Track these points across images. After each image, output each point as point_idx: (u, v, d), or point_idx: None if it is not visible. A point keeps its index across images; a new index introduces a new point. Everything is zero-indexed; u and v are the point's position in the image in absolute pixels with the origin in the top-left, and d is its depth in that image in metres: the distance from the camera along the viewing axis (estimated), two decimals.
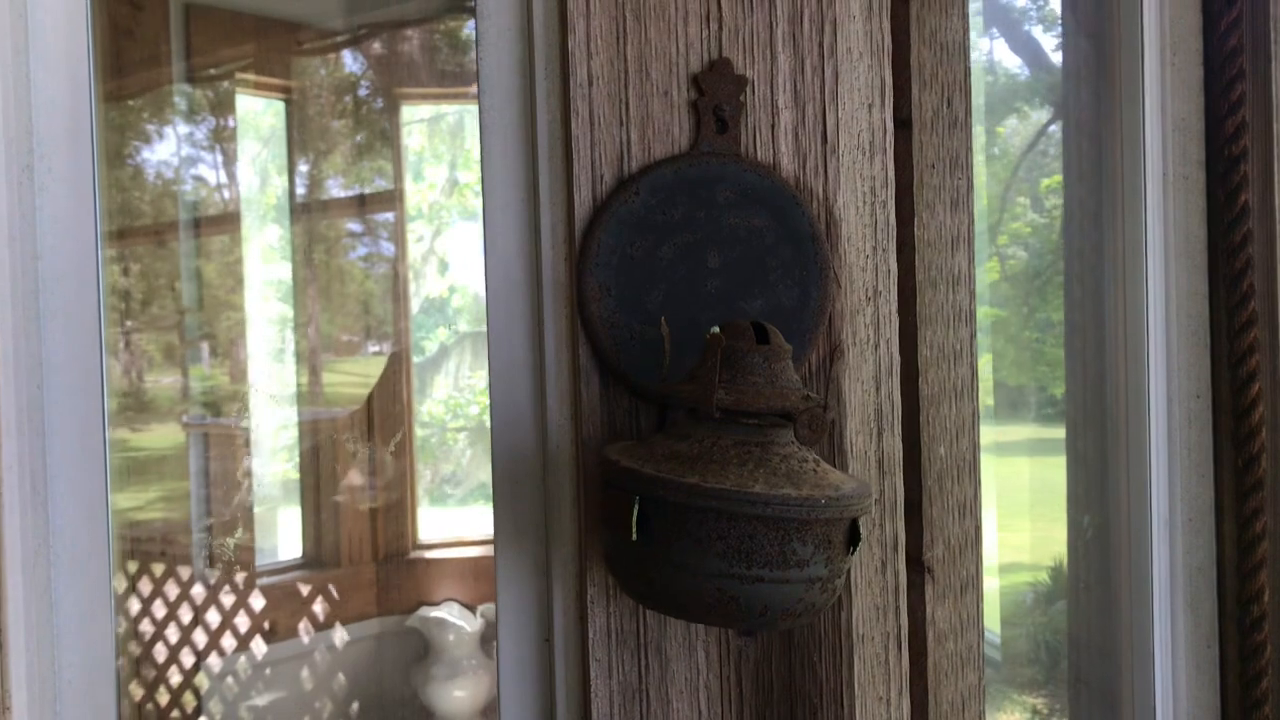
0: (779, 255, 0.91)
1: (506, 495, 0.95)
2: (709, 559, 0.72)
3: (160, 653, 3.73)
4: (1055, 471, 2.05)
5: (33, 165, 0.86)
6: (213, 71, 3.95)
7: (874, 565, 0.96)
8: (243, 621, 3.78)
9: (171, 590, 3.71)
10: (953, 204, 1.07)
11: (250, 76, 4.01)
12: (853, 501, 0.74)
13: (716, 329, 0.74)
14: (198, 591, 3.73)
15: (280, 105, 4.25)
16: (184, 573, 3.80)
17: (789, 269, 0.91)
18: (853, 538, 0.77)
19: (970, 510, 1.09)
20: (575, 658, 0.94)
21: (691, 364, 0.80)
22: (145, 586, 3.67)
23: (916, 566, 1.04)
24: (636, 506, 0.74)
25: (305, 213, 4.23)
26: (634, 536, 0.74)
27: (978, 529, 1.10)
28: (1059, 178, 2.16)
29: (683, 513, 0.72)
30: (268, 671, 3.99)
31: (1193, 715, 1.71)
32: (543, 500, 0.95)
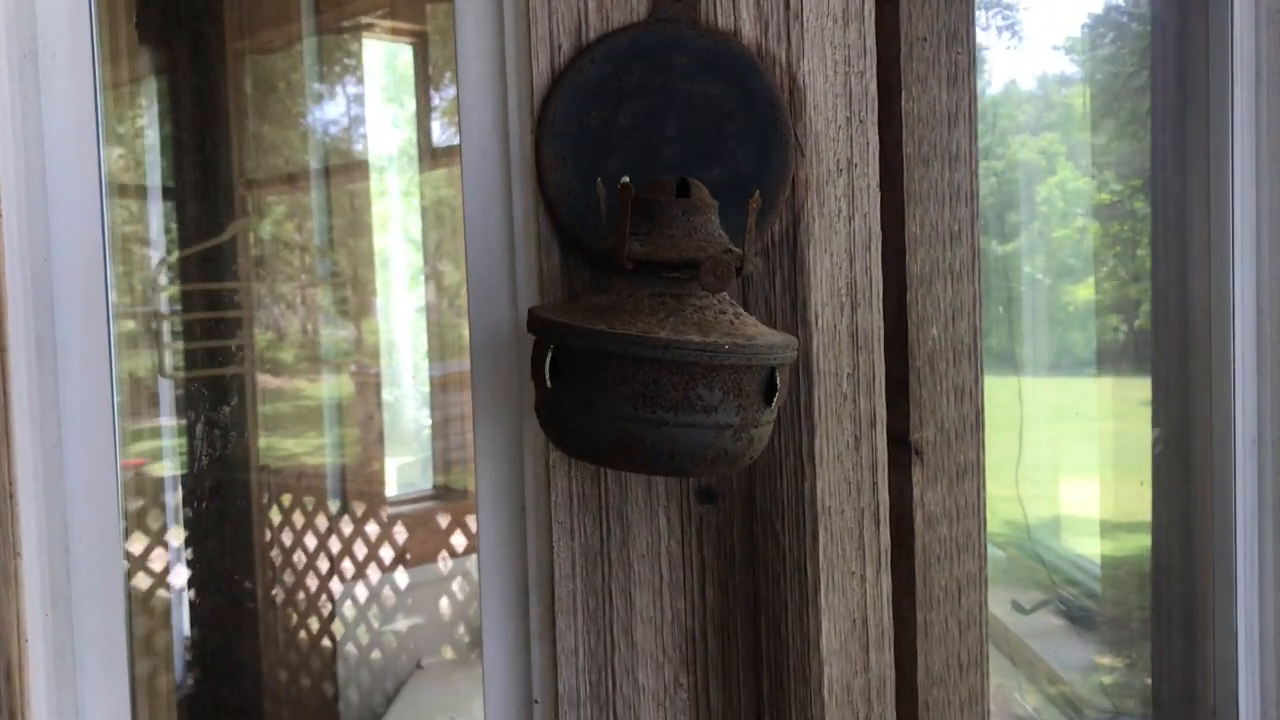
0: (737, 122, 0.90)
1: (484, 371, 0.98)
2: (616, 403, 0.73)
3: (312, 582, 3.94)
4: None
5: (36, 51, 0.93)
6: (344, 24, 4.08)
7: (844, 440, 0.96)
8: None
9: (321, 523, 3.90)
10: (950, 79, 1.04)
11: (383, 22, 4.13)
12: (762, 351, 0.74)
13: (627, 179, 0.75)
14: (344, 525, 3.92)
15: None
16: (334, 507, 3.99)
17: (748, 136, 0.90)
18: (769, 390, 0.77)
19: (970, 395, 1.06)
20: (543, 523, 0.97)
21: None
22: (299, 520, 3.88)
23: (903, 446, 1.02)
24: (550, 354, 0.76)
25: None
26: (548, 384, 0.76)
27: (978, 414, 1.07)
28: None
29: (591, 359, 0.74)
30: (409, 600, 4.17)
31: (1278, 643, 1.63)
32: (517, 374, 0.98)
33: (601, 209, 0.84)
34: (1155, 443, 1.80)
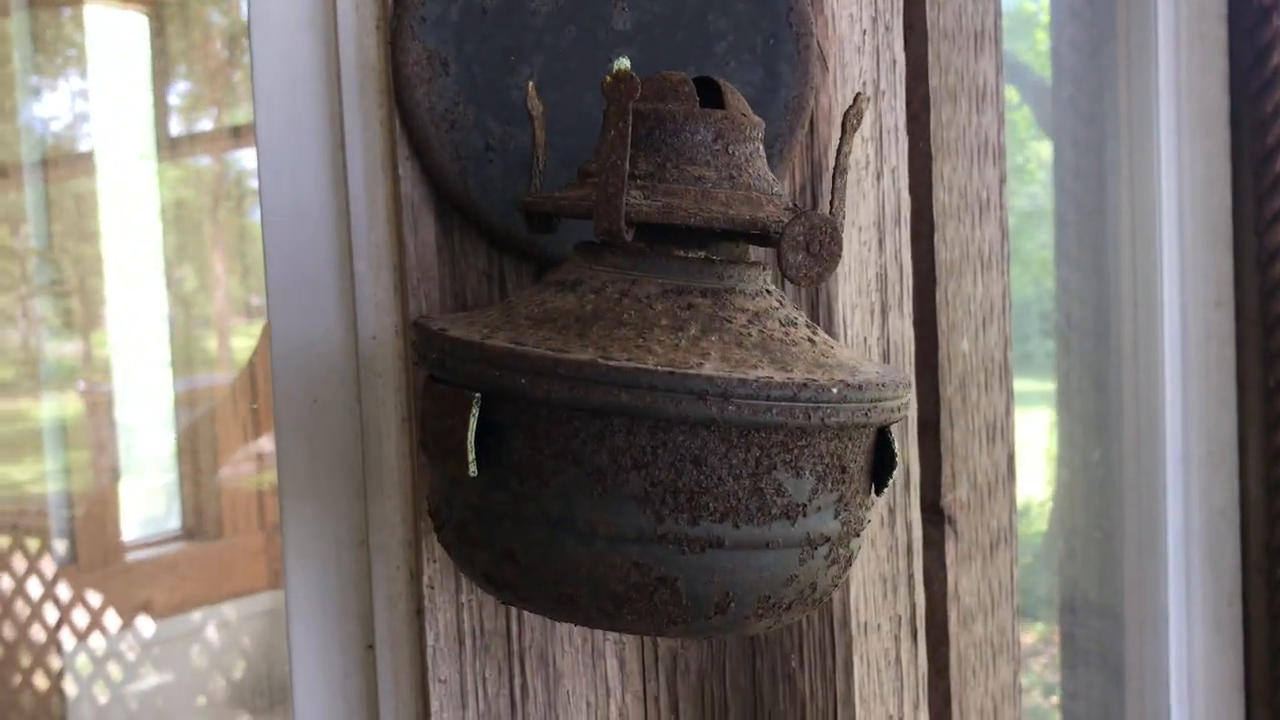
0: (728, 11, 0.55)
1: (296, 424, 0.59)
2: (618, 507, 0.37)
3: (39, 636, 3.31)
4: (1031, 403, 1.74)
5: None
6: None
7: (879, 514, 0.62)
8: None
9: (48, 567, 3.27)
10: None
11: None
12: (885, 394, 0.39)
13: (624, 63, 0.38)
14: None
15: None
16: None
17: (745, 35, 0.55)
18: (881, 463, 0.42)
19: (1002, 433, 0.75)
20: (411, 675, 0.58)
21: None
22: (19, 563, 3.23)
23: (934, 515, 0.70)
24: (475, 412, 0.38)
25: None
26: (471, 471, 0.38)
27: (1010, 459, 0.76)
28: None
29: (565, 420, 0.37)
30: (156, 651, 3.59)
31: (1211, 687, 1.41)
32: (356, 427, 0.59)
33: (536, 136, 0.46)
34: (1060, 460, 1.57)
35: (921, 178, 0.68)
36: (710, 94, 0.43)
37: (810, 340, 0.41)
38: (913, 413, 0.65)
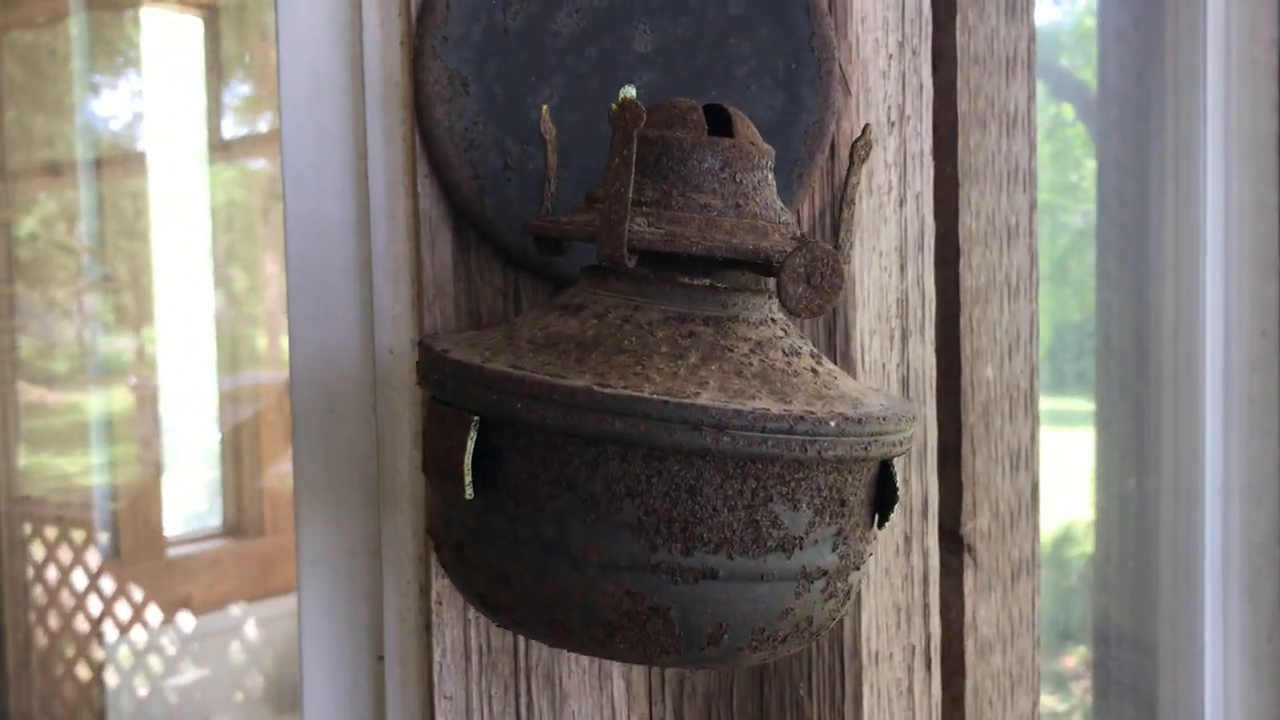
0: (751, 35, 0.55)
1: (313, 433, 0.59)
2: (612, 535, 0.37)
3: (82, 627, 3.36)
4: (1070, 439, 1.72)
5: None
6: None
7: (893, 543, 0.61)
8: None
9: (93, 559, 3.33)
10: (1009, 6, 0.71)
11: None
12: (887, 427, 0.39)
13: (630, 91, 0.38)
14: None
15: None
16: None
17: (767, 59, 0.55)
18: (882, 496, 0.41)
19: (1026, 462, 0.74)
20: (417, 692, 0.58)
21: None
22: (66, 555, 3.28)
23: (953, 544, 0.69)
24: (473, 435, 0.38)
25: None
26: (468, 493, 0.38)
27: (1034, 488, 0.75)
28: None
29: (561, 446, 0.37)
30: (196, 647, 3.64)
31: None
32: (372, 439, 0.59)
33: (549, 159, 0.46)
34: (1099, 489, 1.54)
35: (948, 203, 0.67)
36: (720, 121, 0.42)
37: (813, 370, 0.40)
38: (933, 440, 0.65)
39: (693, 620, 0.37)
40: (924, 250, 0.63)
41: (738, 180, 0.41)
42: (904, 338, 0.62)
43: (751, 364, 0.39)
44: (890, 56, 0.61)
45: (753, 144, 0.42)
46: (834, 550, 0.39)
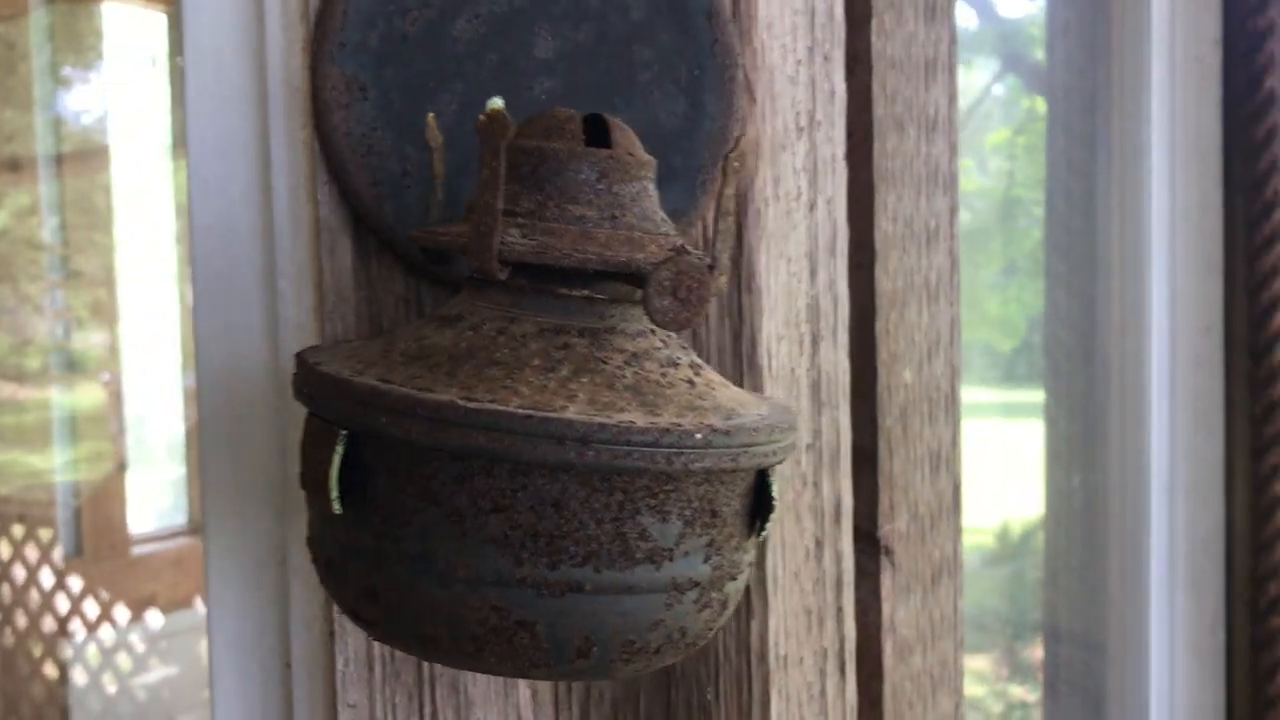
0: (653, 42, 0.55)
1: (220, 442, 0.59)
2: (477, 550, 0.37)
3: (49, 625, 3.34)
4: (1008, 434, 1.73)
5: None
6: None
7: (803, 547, 0.62)
8: None
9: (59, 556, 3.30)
10: (928, 9, 0.72)
11: None
12: (759, 438, 0.39)
13: (497, 103, 0.38)
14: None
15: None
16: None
17: (669, 65, 0.55)
18: (759, 507, 0.42)
19: (947, 464, 0.75)
20: (325, 697, 0.58)
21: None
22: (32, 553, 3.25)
23: (869, 546, 0.69)
24: (340, 449, 0.38)
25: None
26: (335, 508, 0.38)
27: (956, 489, 0.76)
28: (1006, 133, 1.83)
29: (426, 461, 0.37)
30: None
31: (1192, 716, 1.40)
32: (279, 447, 0.59)
33: (435, 168, 0.46)
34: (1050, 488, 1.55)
35: (863, 207, 0.67)
36: (600, 132, 0.42)
37: (690, 382, 0.40)
38: (847, 443, 0.65)
39: (560, 634, 0.37)
40: (836, 255, 0.63)
41: (614, 191, 0.41)
42: (815, 342, 0.62)
43: (625, 376, 0.39)
44: (799, 62, 0.61)
45: (631, 155, 0.42)
46: (706, 561, 0.39)
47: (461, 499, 0.36)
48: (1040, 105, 1.75)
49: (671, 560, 0.38)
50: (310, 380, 0.39)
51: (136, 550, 3.56)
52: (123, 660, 3.43)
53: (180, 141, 3.74)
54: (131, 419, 3.67)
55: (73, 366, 3.57)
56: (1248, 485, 1.36)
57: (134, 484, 3.64)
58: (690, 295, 0.37)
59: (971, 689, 1.66)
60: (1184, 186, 1.36)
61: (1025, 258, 1.70)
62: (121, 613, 3.33)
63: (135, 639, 3.43)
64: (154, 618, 3.43)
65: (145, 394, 3.77)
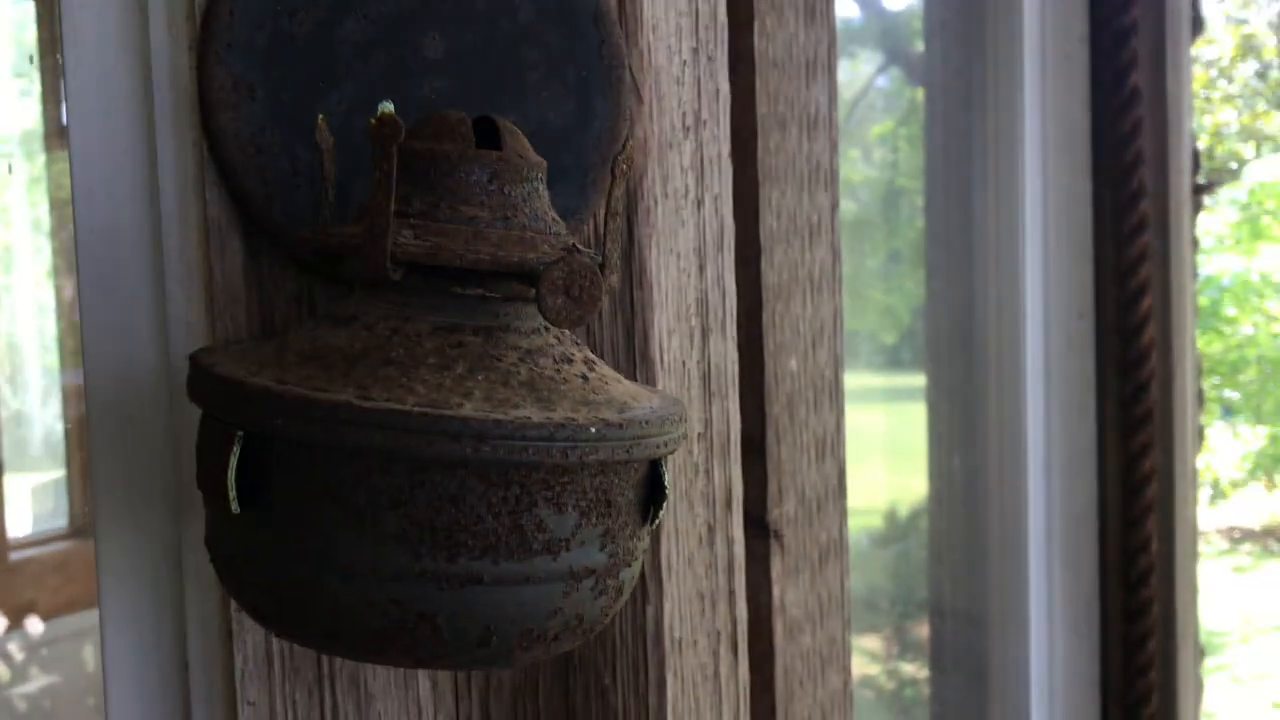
0: (542, 43, 0.56)
1: (111, 444, 0.58)
2: (377, 546, 0.38)
3: None
4: (890, 419, 1.78)
5: None
6: None
7: (695, 534, 0.64)
8: None
9: None
10: (808, 11, 0.74)
11: None
12: (651, 430, 0.41)
13: (388, 106, 0.39)
14: None
15: None
16: None
17: (558, 66, 0.56)
18: (653, 496, 0.43)
19: (832, 449, 0.77)
20: (224, 695, 0.58)
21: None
22: None
23: (759, 530, 0.72)
24: (237, 450, 0.38)
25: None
26: (234, 508, 0.39)
27: (841, 473, 0.79)
28: (890, 125, 1.88)
29: (324, 460, 0.38)
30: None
31: (1070, 686, 1.46)
32: (172, 449, 0.59)
33: (325, 168, 0.46)
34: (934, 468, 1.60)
35: (749, 204, 0.69)
36: (491, 134, 0.44)
37: (584, 377, 0.42)
38: (736, 432, 0.67)
39: (460, 625, 0.38)
40: (724, 250, 0.65)
41: (506, 192, 0.42)
42: (704, 335, 0.64)
43: (519, 373, 0.40)
44: (685, 63, 0.62)
45: (521, 156, 0.43)
46: (602, 549, 0.41)
47: (360, 496, 0.37)
48: (922, 97, 1.80)
49: (568, 550, 0.39)
50: (205, 382, 0.40)
51: (14, 556, 3.43)
52: (0, 670, 3.30)
53: (53, 133, 3.61)
54: (6, 419, 3.53)
55: None
56: (1119, 463, 1.43)
57: (10, 487, 3.51)
58: (583, 294, 0.38)
59: (864, 668, 1.70)
60: (1055, 178, 1.42)
61: (908, 247, 1.75)
62: (0, 620, 3.21)
63: (13, 647, 3.31)
64: (34, 625, 3.31)
65: (20, 394, 3.63)
